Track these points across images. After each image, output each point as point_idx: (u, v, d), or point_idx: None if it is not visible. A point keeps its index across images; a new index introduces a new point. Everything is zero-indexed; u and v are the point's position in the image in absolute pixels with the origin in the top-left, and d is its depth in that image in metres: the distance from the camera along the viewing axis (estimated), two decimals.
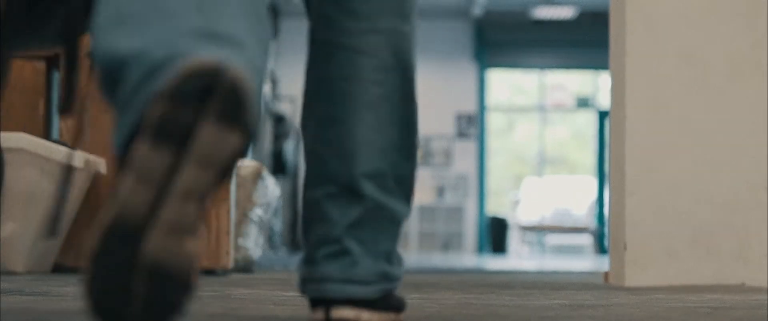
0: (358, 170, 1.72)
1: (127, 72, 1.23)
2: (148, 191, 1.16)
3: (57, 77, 4.95)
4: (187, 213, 1.18)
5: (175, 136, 1.16)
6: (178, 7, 1.27)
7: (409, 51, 1.77)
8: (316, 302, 1.75)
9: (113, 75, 1.25)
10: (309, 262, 1.75)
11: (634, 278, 4.02)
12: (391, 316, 1.77)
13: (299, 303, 2.46)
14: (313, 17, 1.79)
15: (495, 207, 17.19)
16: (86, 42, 1.38)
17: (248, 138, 1.19)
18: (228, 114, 1.17)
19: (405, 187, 1.77)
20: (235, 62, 1.20)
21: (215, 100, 1.16)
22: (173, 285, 1.18)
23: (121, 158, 1.22)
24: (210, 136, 1.17)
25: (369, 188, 1.72)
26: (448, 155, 16.22)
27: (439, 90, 15.73)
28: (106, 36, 1.28)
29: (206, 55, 1.19)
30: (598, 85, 16.92)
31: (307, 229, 1.75)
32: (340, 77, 1.73)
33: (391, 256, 1.77)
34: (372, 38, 1.73)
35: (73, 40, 1.56)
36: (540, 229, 16.42)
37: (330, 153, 1.73)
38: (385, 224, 1.74)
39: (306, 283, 1.75)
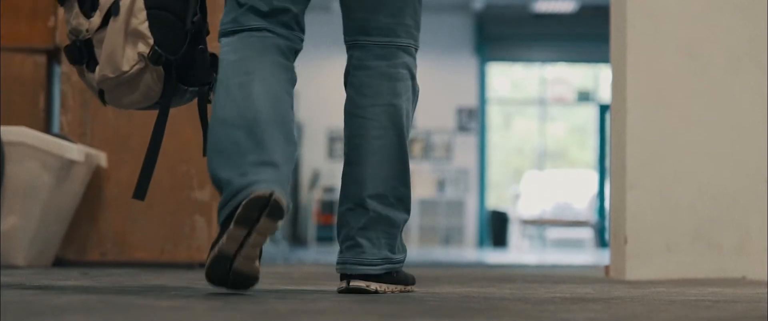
0: (366, 193, 2.67)
1: (224, 189, 2.48)
2: (234, 244, 2.42)
3: (58, 71, 4.95)
4: (252, 253, 2.43)
5: (249, 222, 2.40)
6: (247, 145, 2.48)
7: (400, 117, 2.69)
8: (341, 277, 2.69)
9: (217, 185, 2.52)
10: (340, 252, 2.70)
11: (634, 272, 4.02)
12: (399, 287, 2.71)
13: (300, 297, 2.46)
14: (346, 95, 2.75)
15: (495, 201, 17.20)
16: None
17: (281, 222, 2.42)
18: (274, 214, 2.40)
19: (404, 203, 2.72)
20: (277, 187, 2.42)
21: (268, 210, 2.40)
22: (247, 280, 2.46)
23: (222, 226, 2.45)
24: (265, 223, 2.40)
25: (372, 204, 2.67)
26: (448, 149, 16.22)
27: (439, 84, 15.72)
28: (211, 162, 2.53)
29: (263, 187, 2.41)
30: (598, 79, 16.92)
31: (339, 232, 2.72)
32: (355, 135, 2.70)
33: (393, 247, 2.70)
34: (375, 110, 2.69)
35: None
36: (540, 223, 16.41)
37: (349, 181, 2.70)
38: (386, 228, 2.69)
39: (338, 265, 2.70)
